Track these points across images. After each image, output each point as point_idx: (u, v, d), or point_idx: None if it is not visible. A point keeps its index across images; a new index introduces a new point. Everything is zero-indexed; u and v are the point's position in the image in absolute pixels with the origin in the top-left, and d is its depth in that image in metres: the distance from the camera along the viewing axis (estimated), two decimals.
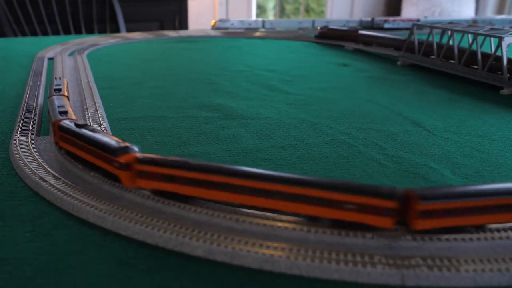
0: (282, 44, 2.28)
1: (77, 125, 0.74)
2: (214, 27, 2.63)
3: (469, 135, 0.98)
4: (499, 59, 1.34)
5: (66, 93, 0.98)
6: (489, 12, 5.15)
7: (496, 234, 0.55)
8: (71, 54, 1.82)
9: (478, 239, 0.54)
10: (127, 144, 0.65)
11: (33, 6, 3.06)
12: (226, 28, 2.56)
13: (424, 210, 0.51)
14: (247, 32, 2.50)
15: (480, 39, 1.43)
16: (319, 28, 2.29)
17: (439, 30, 1.60)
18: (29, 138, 0.87)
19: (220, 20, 2.61)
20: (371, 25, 2.67)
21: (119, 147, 0.64)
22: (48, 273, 0.51)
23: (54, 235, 0.58)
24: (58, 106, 0.85)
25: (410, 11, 4.89)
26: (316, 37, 2.27)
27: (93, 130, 0.72)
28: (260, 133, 0.98)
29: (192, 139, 0.94)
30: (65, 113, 0.82)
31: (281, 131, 0.99)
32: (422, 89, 1.39)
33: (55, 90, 0.97)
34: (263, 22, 2.56)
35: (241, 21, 2.56)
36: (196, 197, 0.60)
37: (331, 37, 2.19)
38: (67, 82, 1.06)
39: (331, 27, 2.24)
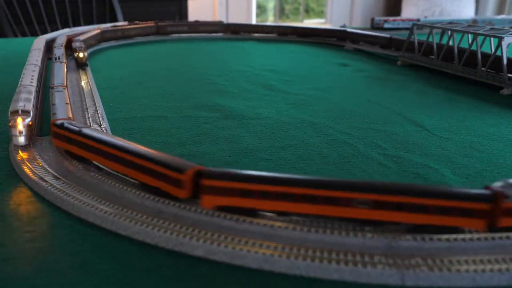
0: (282, 44, 2.28)
1: None
2: None
3: (469, 135, 0.98)
4: (499, 59, 1.34)
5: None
6: (489, 12, 5.15)
7: (496, 234, 0.55)
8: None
9: (478, 239, 0.54)
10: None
11: (33, 6, 3.06)
12: None
13: (508, 208, 0.53)
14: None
15: (480, 39, 1.43)
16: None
17: (439, 30, 1.60)
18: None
19: None
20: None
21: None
22: (48, 273, 0.51)
23: (54, 235, 0.58)
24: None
25: (410, 11, 4.89)
26: None
27: None
28: (260, 133, 0.98)
29: (192, 139, 0.94)
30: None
31: (281, 131, 0.99)
32: (422, 89, 1.39)
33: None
34: None
35: None
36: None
37: None
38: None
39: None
